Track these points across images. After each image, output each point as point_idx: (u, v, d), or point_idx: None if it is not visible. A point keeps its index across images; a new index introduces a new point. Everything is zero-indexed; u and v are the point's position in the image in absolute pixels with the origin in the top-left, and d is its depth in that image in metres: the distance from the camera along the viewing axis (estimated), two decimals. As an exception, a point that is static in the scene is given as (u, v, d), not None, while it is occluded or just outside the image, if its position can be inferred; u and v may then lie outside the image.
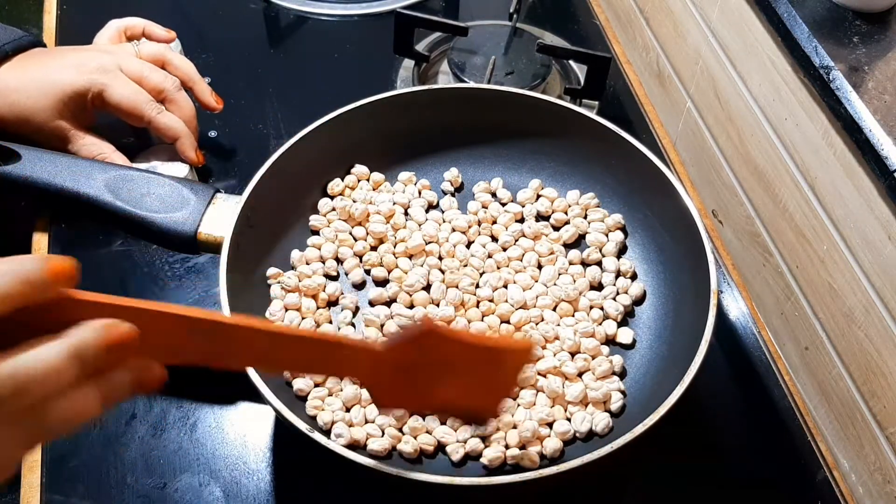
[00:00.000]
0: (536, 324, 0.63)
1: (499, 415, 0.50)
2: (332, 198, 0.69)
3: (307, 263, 0.65)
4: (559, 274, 0.66)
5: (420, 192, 0.71)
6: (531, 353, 0.49)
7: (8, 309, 0.32)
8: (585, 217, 0.69)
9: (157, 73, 0.72)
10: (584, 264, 0.67)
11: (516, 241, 0.68)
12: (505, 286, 0.64)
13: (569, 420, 0.58)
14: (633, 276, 0.67)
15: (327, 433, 0.56)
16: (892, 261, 0.57)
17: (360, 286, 0.66)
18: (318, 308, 0.63)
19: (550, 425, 0.57)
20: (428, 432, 0.57)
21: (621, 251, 0.68)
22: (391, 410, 0.49)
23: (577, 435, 0.57)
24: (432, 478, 0.49)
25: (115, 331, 0.34)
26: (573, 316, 0.63)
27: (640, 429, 0.50)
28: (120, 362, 0.35)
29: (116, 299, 0.35)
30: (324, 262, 0.66)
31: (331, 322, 0.63)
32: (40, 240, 0.74)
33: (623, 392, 0.60)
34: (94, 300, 0.35)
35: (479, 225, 0.69)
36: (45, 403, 0.33)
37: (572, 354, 0.61)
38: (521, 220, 0.70)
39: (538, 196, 0.71)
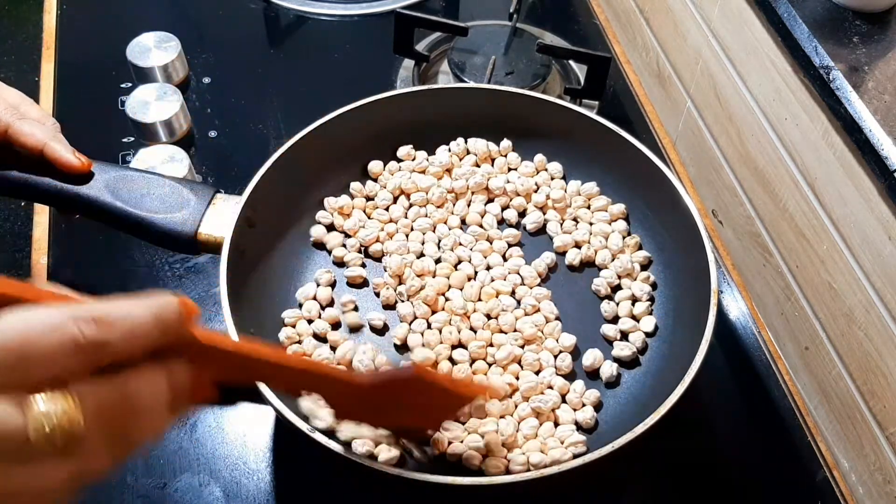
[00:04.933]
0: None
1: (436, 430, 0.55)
2: (374, 179, 0.71)
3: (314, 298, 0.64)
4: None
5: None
6: (479, 398, 0.54)
7: (143, 348, 0.32)
8: (588, 207, 0.69)
9: None
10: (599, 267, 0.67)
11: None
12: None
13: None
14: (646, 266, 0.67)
15: (327, 433, 0.56)
16: (892, 261, 0.57)
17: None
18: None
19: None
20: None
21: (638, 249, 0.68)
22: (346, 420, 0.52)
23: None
24: (432, 478, 0.49)
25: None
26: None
27: (640, 429, 0.50)
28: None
29: (235, 345, 0.38)
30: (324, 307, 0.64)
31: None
32: (40, 239, 0.74)
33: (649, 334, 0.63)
34: (217, 345, 0.36)
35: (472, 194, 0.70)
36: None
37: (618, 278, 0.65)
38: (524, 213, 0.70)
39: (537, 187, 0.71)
